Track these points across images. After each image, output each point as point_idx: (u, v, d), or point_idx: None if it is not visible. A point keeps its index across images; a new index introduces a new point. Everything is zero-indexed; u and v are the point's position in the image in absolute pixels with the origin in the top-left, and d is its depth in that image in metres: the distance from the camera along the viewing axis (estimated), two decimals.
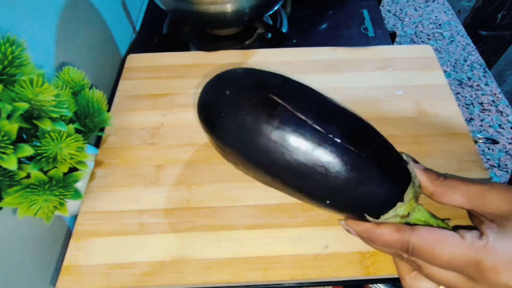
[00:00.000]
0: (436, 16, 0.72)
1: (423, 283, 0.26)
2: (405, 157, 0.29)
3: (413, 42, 0.66)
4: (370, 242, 0.28)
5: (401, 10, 0.74)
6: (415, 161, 0.29)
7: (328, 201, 0.27)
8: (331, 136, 0.25)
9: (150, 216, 0.34)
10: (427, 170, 0.28)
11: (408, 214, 0.27)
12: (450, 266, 0.23)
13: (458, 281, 0.24)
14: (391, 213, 0.26)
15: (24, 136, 0.30)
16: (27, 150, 0.27)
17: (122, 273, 0.31)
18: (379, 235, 0.26)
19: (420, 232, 0.24)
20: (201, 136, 0.40)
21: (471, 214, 0.28)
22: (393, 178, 0.27)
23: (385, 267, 0.31)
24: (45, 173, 0.30)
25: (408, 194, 0.27)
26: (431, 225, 0.27)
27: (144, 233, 0.33)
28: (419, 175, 0.27)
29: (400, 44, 0.66)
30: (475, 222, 0.26)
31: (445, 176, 0.27)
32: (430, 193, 0.27)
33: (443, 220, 0.28)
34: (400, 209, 0.26)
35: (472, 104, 0.54)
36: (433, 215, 0.28)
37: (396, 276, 0.30)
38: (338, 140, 0.25)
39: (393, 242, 0.25)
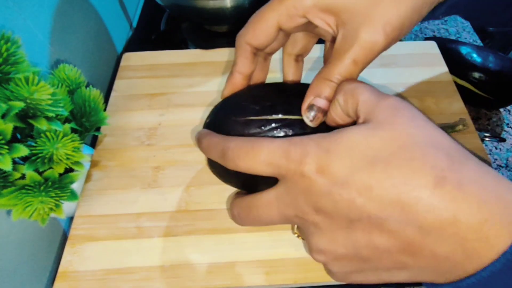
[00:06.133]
0: None
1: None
2: None
3: (417, 38, 0.64)
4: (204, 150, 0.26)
5: None
6: None
7: None
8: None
9: (147, 220, 0.34)
10: None
11: None
12: (267, 159, 0.21)
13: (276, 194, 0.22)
14: None
15: (19, 136, 0.29)
16: (22, 150, 0.26)
17: (119, 279, 0.31)
18: (210, 136, 0.25)
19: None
20: None
21: None
22: None
23: None
24: (40, 174, 0.29)
25: None
26: None
27: (142, 237, 0.33)
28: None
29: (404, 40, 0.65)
30: None
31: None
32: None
33: None
34: None
35: None
36: None
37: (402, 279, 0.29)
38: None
39: (215, 143, 0.24)
